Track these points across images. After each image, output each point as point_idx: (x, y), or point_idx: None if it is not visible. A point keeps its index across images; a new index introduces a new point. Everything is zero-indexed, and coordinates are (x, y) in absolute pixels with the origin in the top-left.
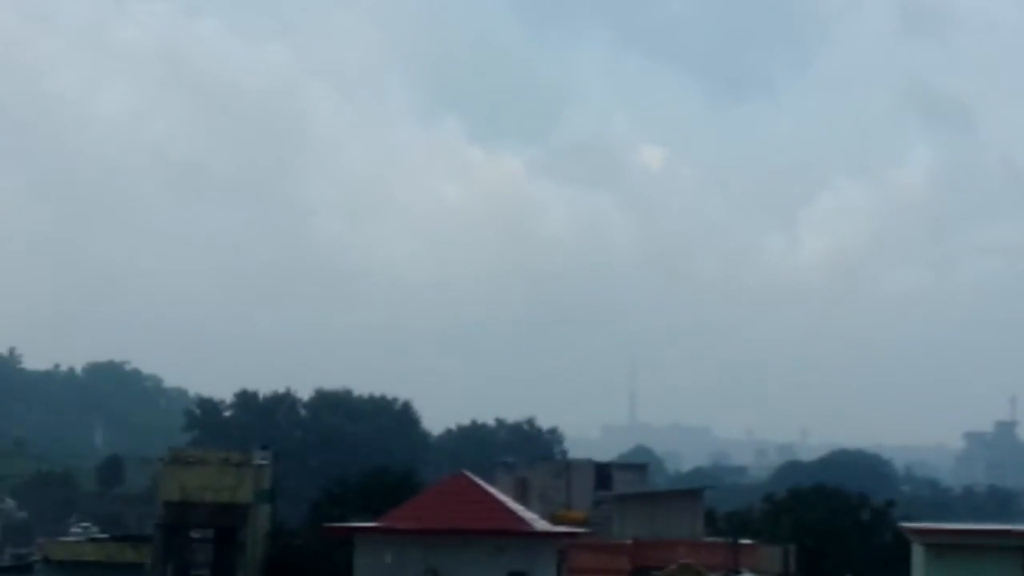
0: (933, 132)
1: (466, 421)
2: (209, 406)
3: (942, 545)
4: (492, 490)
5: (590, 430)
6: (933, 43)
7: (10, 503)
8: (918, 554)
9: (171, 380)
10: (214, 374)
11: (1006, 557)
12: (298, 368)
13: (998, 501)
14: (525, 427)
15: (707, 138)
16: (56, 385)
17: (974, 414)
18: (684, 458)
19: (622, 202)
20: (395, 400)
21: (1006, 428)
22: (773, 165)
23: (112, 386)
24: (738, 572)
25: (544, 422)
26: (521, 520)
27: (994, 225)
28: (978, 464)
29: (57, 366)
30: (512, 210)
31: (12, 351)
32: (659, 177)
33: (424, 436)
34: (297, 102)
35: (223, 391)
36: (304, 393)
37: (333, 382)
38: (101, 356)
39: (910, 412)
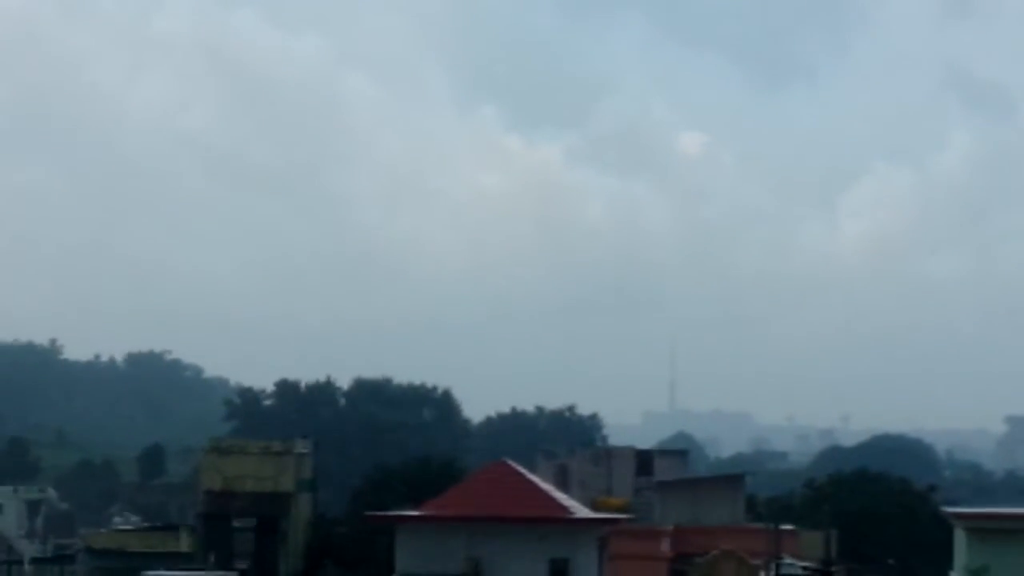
0: (972, 116)
1: (506, 409)
2: (249, 396)
3: (984, 529)
4: (533, 477)
5: (630, 417)
6: (972, 27)
7: (52, 493)
8: (960, 538)
9: (211, 370)
10: (254, 364)
11: None
12: (338, 357)
13: None
14: (566, 414)
15: (746, 124)
16: (97, 375)
17: (1016, 397)
18: (724, 444)
19: (661, 189)
20: (435, 388)
21: None
22: (812, 151)
23: (153, 376)
24: (779, 558)
25: (584, 409)
26: (562, 507)
27: None
28: (1020, 448)
29: (98, 356)
30: (551, 198)
31: (53, 342)
32: (698, 164)
33: (465, 424)
34: (334, 92)
35: (263, 381)
36: (344, 382)
37: (373, 371)
38: (142, 346)
39: (951, 396)
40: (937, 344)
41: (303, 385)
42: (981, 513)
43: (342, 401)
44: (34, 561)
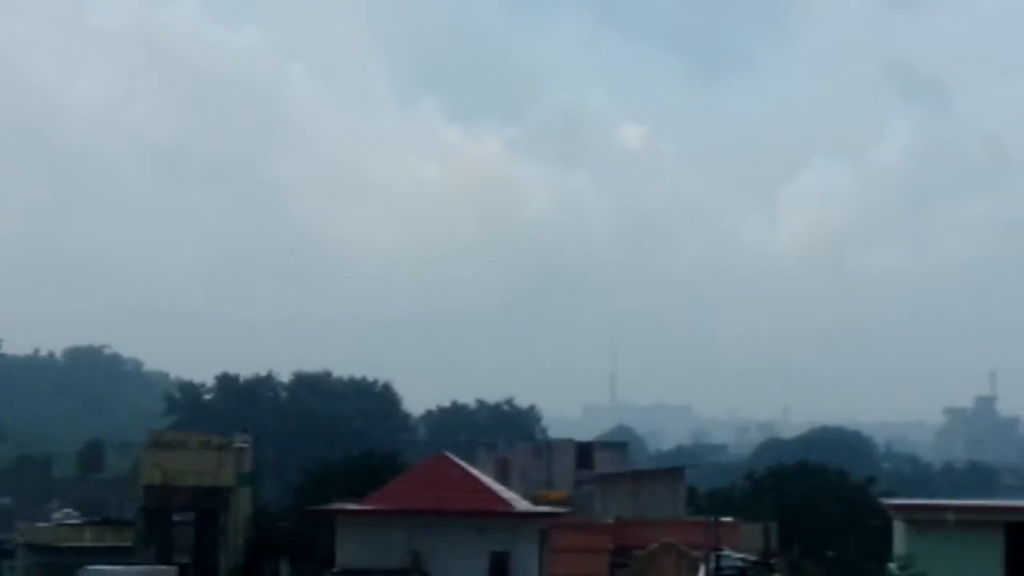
0: (913, 109)
1: (447, 402)
2: (190, 390)
3: (923, 521)
4: (473, 471)
5: (571, 410)
6: (911, 19)
7: None
8: (899, 530)
9: (151, 364)
10: (195, 358)
11: (986, 532)
12: (278, 351)
13: (978, 476)
14: (506, 408)
15: (687, 116)
16: (36, 370)
17: (954, 390)
18: (665, 437)
19: (601, 181)
20: (375, 382)
21: (986, 403)
22: (753, 143)
23: (92, 370)
24: (719, 550)
25: (525, 402)
26: (503, 500)
27: (973, 201)
28: (958, 440)
29: (37, 351)
30: (491, 190)
31: None
32: (639, 156)
33: (405, 418)
34: (274, 85)
35: (204, 375)
36: (284, 376)
37: (313, 365)
38: (81, 341)
39: (890, 388)
40: (876, 337)
41: (243, 379)
42: (919, 504)
43: (282, 395)
44: None
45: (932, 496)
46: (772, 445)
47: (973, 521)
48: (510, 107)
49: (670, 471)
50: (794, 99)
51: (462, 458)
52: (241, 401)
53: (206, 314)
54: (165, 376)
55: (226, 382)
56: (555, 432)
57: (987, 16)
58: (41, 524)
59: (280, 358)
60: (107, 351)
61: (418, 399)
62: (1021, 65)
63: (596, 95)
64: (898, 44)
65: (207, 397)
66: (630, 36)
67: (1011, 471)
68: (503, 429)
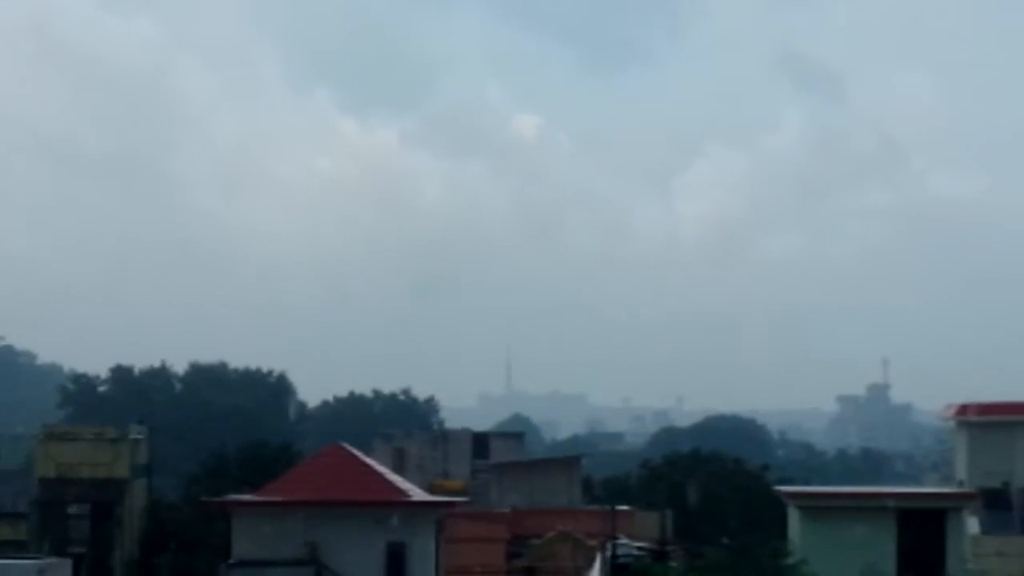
0: (806, 98)
1: (343, 393)
2: (84, 382)
3: (816, 508)
4: (370, 461)
5: (467, 399)
6: (805, 11)
7: None
8: (793, 516)
9: (45, 356)
10: (89, 350)
11: (878, 518)
12: (173, 342)
13: (871, 463)
14: (401, 397)
15: (582, 106)
16: None
17: (847, 377)
18: (561, 426)
19: (497, 172)
20: (270, 372)
21: (878, 391)
22: (648, 133)
23: None
24: (615, 539)
25: (421, 392)
26: (399, 491)
27: (865, 190)
28: (851, 427)
29: None
30: (386, 181)
31: None
32: (534, 146)
33: (301, 408)
34: (167, 75)
35: (98, 367)
36: (179, 367)
37: (208, 356)
38: None
39: (784, 376)
40: (770, 325)
41: (138, 370)
42: (813, 492)
43: (177, 386)
44: None
45: (826, 483)
46: (667, 434)
47: (865, 508)
48: (405, 98)
49: (566, 460)
50: (688, 89)
51: (358, 448)
52: (136, 393)
53: (101, 306)
54: (59, 368)
55: (120, 374)
56: (451, 422)
57: (878, 6)
58: None
59: (175, 349)
60: (0, 343)
61: (314, 389)
62: (912, 55)
63: (491, 86)
64: (791, 35)
65: (101, 389)
66: (525, 27)
67: (903, 458)
68: (399, 419)
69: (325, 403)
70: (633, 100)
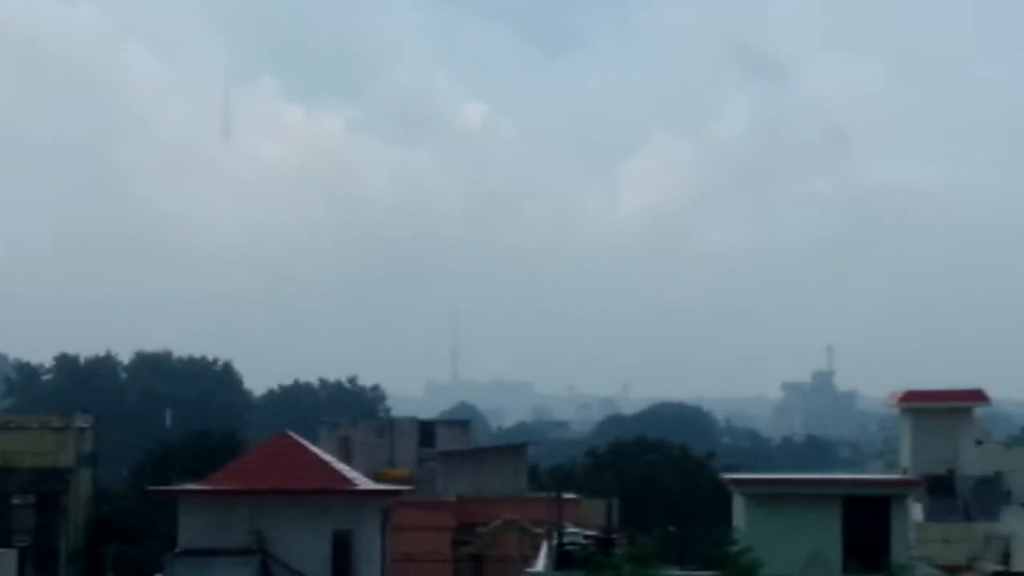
0: (751, 87)
1: (288, 381)
2: (28, 371)
3: (762, 495)
4: (315, 449)
5: (413, 388)
6: None
7: None
8: (739, 504)
9: None
10: (33, 339)
11: (824, 505)
12: (119, 331)
13: (816, 450)
14: (348, 386)
15: (528, 94)
16: None
17: (792, 365)
18: (507, 414)
19: (443, 160)
20: (216, 361)
21: (823, 378)
22: (594, 121)
23: None
24: (562, 526)
25: (367, 381)
26: (345, 479)
27: (810, 178)
28: (796, 414)
29: None
30: (333, 169)
31: None
32: (480, 134)
33: (246, 397)
34: (112, 64)
35: (42, 356)
36: (125, 356)
37: (154, 344)
38: None
39: (730, 364)
40: (715, 312)
41: (83, 359)
42: (758, 479)
43: (123, 375)
44: None
45: (771, 470)
46: (613, 421)
47: (811, 495)
48: (351, 86)
49: (512, 448)
50: (634, 77)
51: (304, 437)
52: (81, 382)
53: (45, 295)
54: (3, 358)
55: (65, 363)
56: (397, 410)
57: None
58: None
59: (120, 338)
60: None
61: (260, 378)
62: (857, 43)
63: (437, 74)
64: (736, 23)
65: (46, 378)
66: (470, 15)
67: (848, 445)
68: (345, 407)
69: (271, 392)
70: (579, 88)
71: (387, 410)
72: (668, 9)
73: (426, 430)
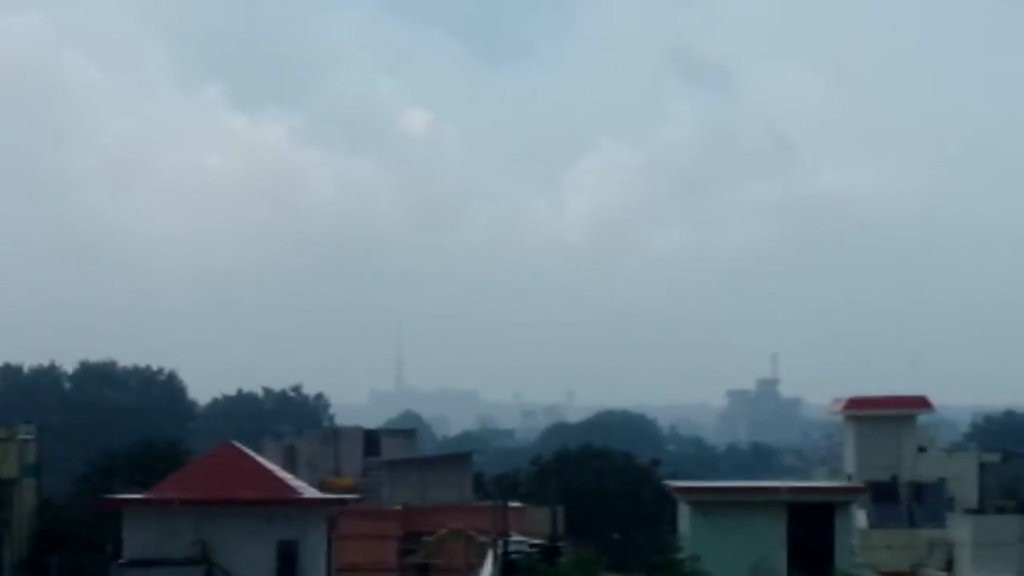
0: (696, 93)
1: (233, 391)
2: None
3: (707, 503)
4: (260, 459)
5: (358, 396)
6: (694, 5)
7: None
8: (684, 512)
9: None
10: None
11: (769, 513)
12: (63, 341)
13: (760, 458)
14: (292, 395)
15: (472, 102)
16: None
17: (736, 372)
18: (452, 422)
19: (387, 167)
20: (160, 371)
21: (767, 385)
22: (538, 128)
23: None
24: (507, 535)
25: (311, 390)
26: (290, 488)
27: (754, 185)
28: (741, 421)
29: None
30: (277, 177)
31: None
32: (424, 141)
33: (191, 406)
34: (54, 71)
35: None
36: (69, 366)
37: (98, 354)
38: None
39: (674, 371)
40: (660, 320)
41: (27, 369)
42: (703, 487)
43: (67, 385)
44: None
45: (716, 477)
46: (558, 429)
47: (756, 502)
48: (295, 94)
49: (457, 457)
50: (578, 84)
51: (249, 447)
52: (25, 392)
53: None
54: None
55: (9, 373)
56: (342, 419)
57: (767, 1)
58: None
59: (65, 348)
60: None
61: (204, 387)
62: (801, 50)
63: (381, 81)
64: (681, 29)
65: None
66: (414, 21)
67: (792, 452)
68: (290, 416)
69: (216, 401)
70: (523, 95)
71: (332, 419)
72: (613, 16)
73: (371, 439)
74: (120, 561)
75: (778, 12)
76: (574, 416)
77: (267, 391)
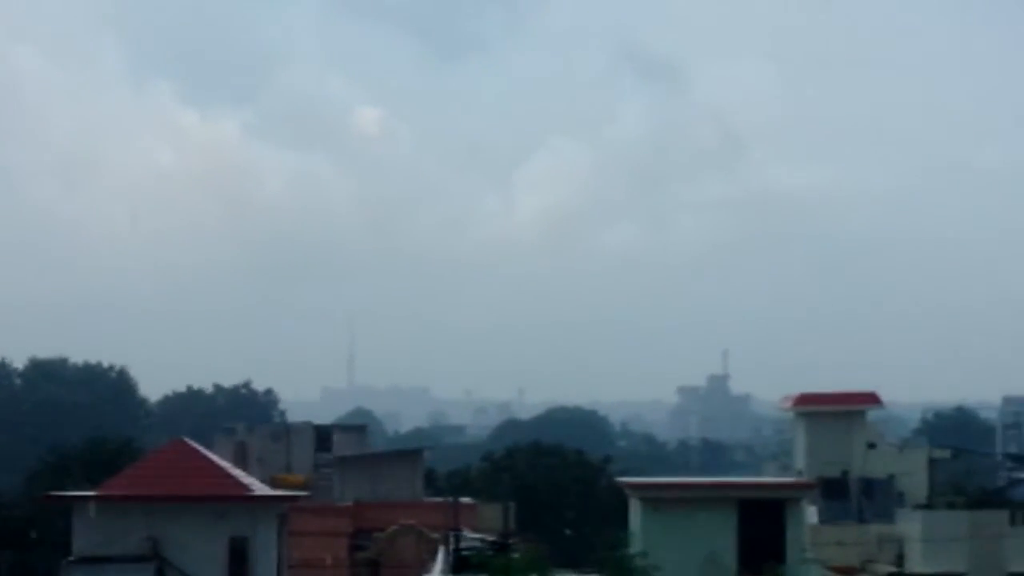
0: (646, 91)
1: (183, 387)
2: None
3: (657, 499)
4: (211, 455)
5: (309, 393)
6: (644, 3)
7: None
8: (635, 508)
9: None
10: None
11: (719, 509)
12: (12, 337)
13: (711, 454)
14: (243, 391)
15: (423, 99)
16: None
17: (687, 369)
18: (403, 419)
19: (339, 164)
20: (111, 368)
21: (718, 382)
22: (489, 125)
23: None
24: (459, 531)
25: (262, 386)
26: (241, 485)
27: (705, 182)
28: (692, 418)
29: None
30: (228, 174)
31: None
32: (376, 139)
33: (142, 403)
34: (2, 67)
35: None
36: (19, 363)
37: (48, 351)
38: None
39: (625, 368)
40: (611, 317)
41: None
42: (654, 483)
43: (17, 382)
44: None
45: (667, 474)
46: (510, 426)
47: (706, 498)
48: (246, 90)
49: (409, 453)
50: (529, 81)
51: (200, 443)
52: None
53: None
54: None
55: None
56: (293, 415)
57: None
58: None
59: (14, 344)
60: None
61: (155, 384)
62: (751, 47)
63: (332, 78)
64: (631, 26)
65: None
66: (365, 18)
67: (743, 448)
68: (241, 413)
69: (167, 398)
70: (474, 93)
71: (283, 415)
72: (563, 13)
73: (322, 435)
74: (70, 558)
75: (728, 9)
76: (526, 413)
77: (218, 388)
